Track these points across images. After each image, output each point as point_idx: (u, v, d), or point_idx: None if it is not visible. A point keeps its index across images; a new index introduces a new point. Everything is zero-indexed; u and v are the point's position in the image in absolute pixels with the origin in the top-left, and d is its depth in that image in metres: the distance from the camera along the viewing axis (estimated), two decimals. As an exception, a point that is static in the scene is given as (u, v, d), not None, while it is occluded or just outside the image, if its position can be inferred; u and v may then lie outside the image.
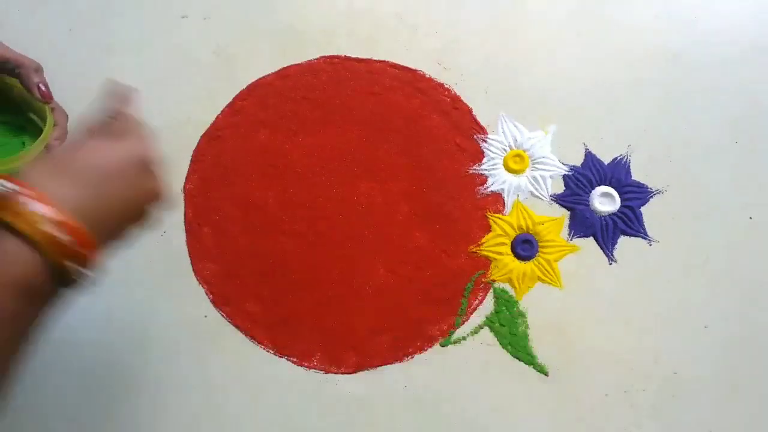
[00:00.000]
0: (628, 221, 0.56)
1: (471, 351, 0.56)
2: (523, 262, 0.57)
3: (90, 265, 0.34)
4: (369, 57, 0.60)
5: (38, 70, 0.51)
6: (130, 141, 0.38)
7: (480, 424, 0.55)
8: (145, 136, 0.39)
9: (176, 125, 0.60)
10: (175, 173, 0.59)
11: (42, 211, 0.31)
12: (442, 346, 0.56)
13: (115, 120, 0.39)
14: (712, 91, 0.57)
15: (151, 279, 0.58)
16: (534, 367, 0.55)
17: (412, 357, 0.56)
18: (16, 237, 0.31)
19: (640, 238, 0.56)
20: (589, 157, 0.58)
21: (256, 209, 0.59)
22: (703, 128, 0.57)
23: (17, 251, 0.31)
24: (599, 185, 0.57)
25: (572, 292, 0.56)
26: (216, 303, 0.58)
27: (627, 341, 0.55)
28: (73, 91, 0.61)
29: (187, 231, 0.59)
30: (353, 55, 0.60)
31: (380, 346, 0.56)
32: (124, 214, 0.37)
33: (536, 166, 0.58)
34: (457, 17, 0.60)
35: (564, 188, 0.58)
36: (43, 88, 0.51)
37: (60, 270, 0.32)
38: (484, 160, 0.58)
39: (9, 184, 0.31)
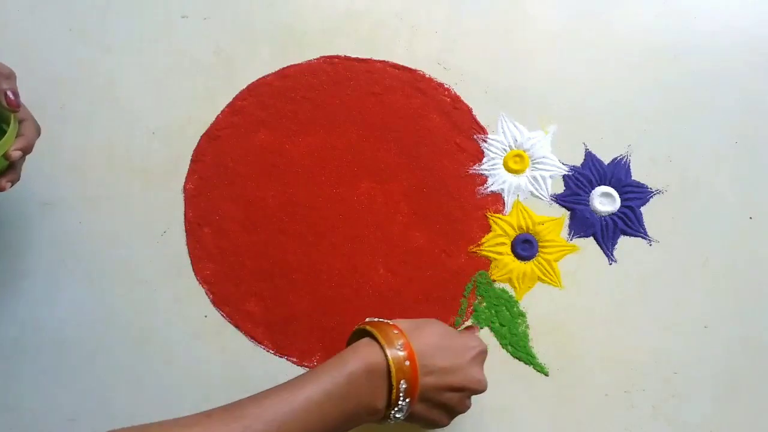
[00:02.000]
0: (628, 221, 0.56)
1: (471, 351, 0.56)
2: (523, 262, 0.57)
3: (405, 407, 0.42)
4: (369, 57, 0.60)
5: (9, 77, 0.49)
6: (470, 338, 0.48)
7: (480, 424, 0.55)
8: (483, 349, 0.48)
9: (176, 125, 0.60)
10: (175, 173, 0.59)
11: (401, 342, 0.43)
12: (442, 346, 0.56)
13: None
14: (712, 91, 0.57)
15: (151, 279, 0.58)
16: (534, 367, 0.55)
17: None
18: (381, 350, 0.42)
19: (640, 238, 0.56)
20: (589, 157, 0.58)
21: (256, 209, 0.59)
22: (703, 128, 0.57)
23: (378, 356, 0.42)
24: (599, 185, 0.57)
25: (572, 292, 0.56)
26: (216, 303, 0.58)
27: (627, 341, 0.55)
28: (73, 90, 0.61)
29: (187, 231, 0.59)
30: (353, 55, 0.60)
31: (380, 346, 0.56)
32: (446, 385, 0.44)
33: (536, 166, 0.58)
34: (457, 17, 0.60)
35: (564, 188, 0.58)
36: (10, 95, 0.48)
37: (391, 394, 0.41)
38: (484, 160, 0.58)
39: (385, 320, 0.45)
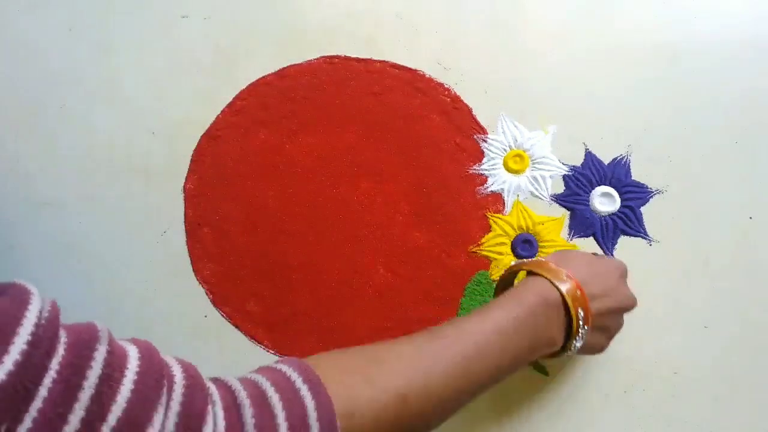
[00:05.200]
0: (628, 221, 0.56)
1: (471, 351, 0.56)
2: (523, 262, 0.57)
3: (585, 334, 0.44)
4: (369, 57, 0.60)
5: None
6: (610, 260, 0.51)
7: (480, 424, 0.55)
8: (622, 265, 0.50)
9: (176, 125, 0.60)
10: (175, 173, 0.59)
11: (565, 273, 0.44)
12: (442, 346, 0.56)
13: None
14: (712, 91, 0.57)
15: (151, 279, 0.58)
16: (534, 367, 0.55)
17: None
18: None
19: (640, 238, 0.56)
20: (589, 157, 0.58)
21: (256, 209, 0.59)
22: (703, 128, 0.57)
23: (550, 289, 0.43)
24: (599, 185, 0.57)
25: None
26: (216, 303, 0.58)
27: (627, 341, 0.55)
28: (73, 90, 0.61)
29: (187, 231, 0.59)
30: (353, 55, 0.60)
31: (380, 346, 0.56)
32: (606, 307, 0.45)
33: (536, 166, 0.58)
34: (457, 17, 0.60)
35: (564, 188, 0.58)
36: None
37: (571, 324, 0.43)
38: (484, 160, 0.58)
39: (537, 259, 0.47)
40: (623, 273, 0.49)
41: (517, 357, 0.41)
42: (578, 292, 0.43)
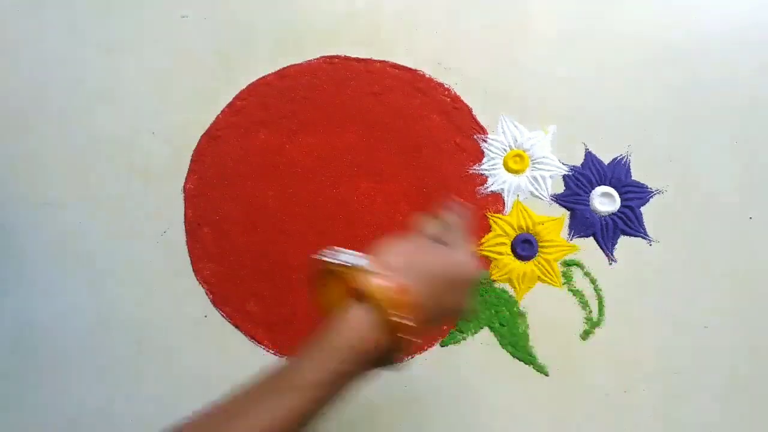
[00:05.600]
0: (628, 221, 0.56)
1: (471, 351, 0.56)
2: (523, 262, 0.57)
3: (411, 339, 0.38)
4: (369, 57, 0.60)
5: None
6: (458, 254, 0.42)
7: (480, 424, 0.55)
8: (470, 254, 0.43)
9: (176, 125, 0.60)
10: (175, 173, 0.59)
11: (384, 282, 0.37)
12: (442, 346, 0.56)
13: (450, 231, 0.44)
14: (712, 92, 0.57)
15: (151, 279, 0.58)
16: (534, 367, 0.55)
17: (412, 357, 0.56)
18: (361, 302, 0.37)
19: (640, 238, 0.56)
20: (589, 157, 0.58)
21: (256, 209, 0.59)
22: (703, 128, 0.57)
23: (361, 316, 0.37)
24: (599, 185, 0.57)
25: (572, 292, 0.56)
26: (216, 303, 0.58)
27: (627, 341, 0.55)
28: (73, 90, 0.61)
29: (187, 231, 0.59)
30: (353, 55, 0.60)
31: (380, 346, 0.56)
32: (439, 286, 0.40)
33: (536, 166, 0.58)
34: (457, 17, 0.60)
35: (564, 188, 0.58)
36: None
37: (390, 333, 0.37)
38: (484, 160, 0.58)
39: (361, 260, 0.38)
40: (466, 274, 0.42)
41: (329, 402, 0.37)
42: (399, 301, 0.37)
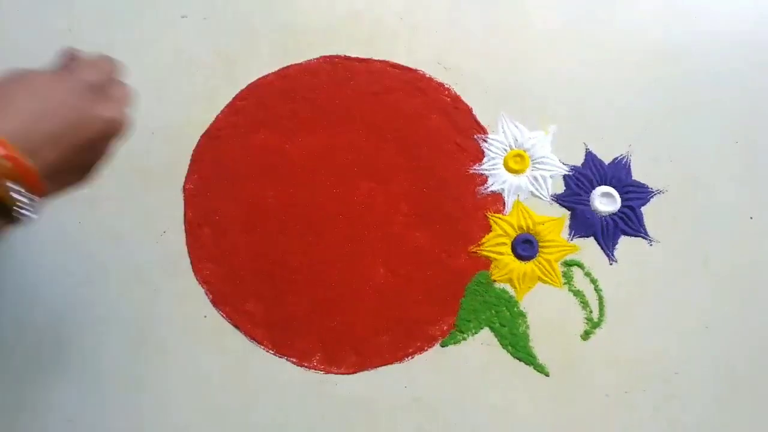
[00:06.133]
0: (628, 221, 0.56)
1: (471, 351, 0.56)
2: (523, 262, 0.57)
3: (32, 195, 0.33)
4: (369, 57, 0.60)
5: None
6: (79, 70, 0.35)
7: (480, 424, 0.55)
8: (101, 65, 0.36)
9: (176, 125, 0.60)
10: (175, 173, 0.59)
11: None
12: (442, 346, 0.56)
13: (66, 59, 0.36)
14: (712, 91, 0.57)
15: (151, 279, 0.58)
16: (534, 367, 0.55)
17: (412, 357, 0.56)
18: None
19: (640, 238, 0.56)
20: (590, 157, 0.58)
21: (256, 209, 0.59)
22: (704, 128, 0.57)
23: None
24: (600, 185, 0.57)
25: (573, 292, 0.56)
26: (216, 303, 0.58)
27: (627, 341, 0.55)
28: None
29: (187, 231, 0.59)
30: (353, 55, 0.60)
31: (380, 346, 0.56)
32: (72, 147, 0.34)
33: (536, 166, 0.58)
34: (457, 17, 0.60)
35: (564, 188, 0.58)
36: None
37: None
38: (485, 160, 0.58)
39: None
40: (94, 85, 0.35)
41: None
42: (8, 164, 0.30)
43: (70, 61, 0.38)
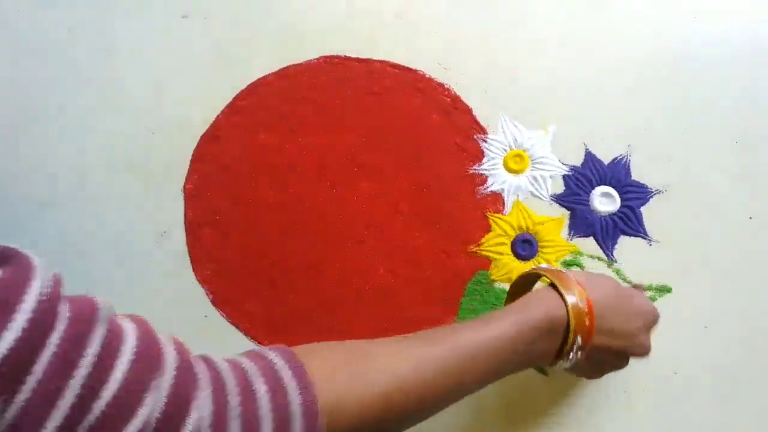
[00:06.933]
0: (628, 221, 0.56)
1: (471, 351, 0.56)
2: (523, 262, 0.57)
3: (579, 352, 0.42)
4: (369, 57, 0.60)
5: None
6: (645, 299, 0.48)
7: (480, 424, 0.55)
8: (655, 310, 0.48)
9: (176, 125, 0.60)
10: (175, 173, 0.59)
11: (579, 291, 0.41)
12: (442, 346, 0.56)
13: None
14: (712, 91, 0.57)
15: (151, 279, 0.58)
16: (534, 367, 0.55)
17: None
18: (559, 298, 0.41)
19: (640, 238, 0.56)
20: (589, 157, 0.58)
21: (256, 209, 0.59)
22: (703, 128, 0.57)
23: (559, 307, 0.41)
24: (599, 185, 0.57)
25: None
26: (216, 303, 0.58)
27: (627, 341, 0.55)
28: (73, 90, 0.61)
29: (187, 231, 0.59)
30: (353, 55, 0.60)
31: (380, 346, 0.56)
32: (612, 348, 0.44)
33: (536, 166, 0.58)
34: (457, 17, 0.60)
35: (564, 188, 0.58)
36: None
37: (566, 340, 0.41)
38: (484, 160, 0.58)
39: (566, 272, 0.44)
40: (650, 321, 0.47)
41: (508, 370, 0.41)
42: (587, 320, 0.41)
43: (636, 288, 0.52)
